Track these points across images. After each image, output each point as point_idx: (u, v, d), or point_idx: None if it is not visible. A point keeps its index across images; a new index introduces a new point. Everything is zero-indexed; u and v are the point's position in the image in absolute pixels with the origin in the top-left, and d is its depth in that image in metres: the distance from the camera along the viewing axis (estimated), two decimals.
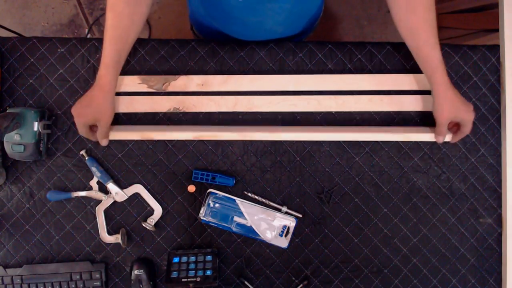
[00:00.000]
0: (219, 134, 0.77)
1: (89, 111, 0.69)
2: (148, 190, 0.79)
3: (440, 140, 0.76)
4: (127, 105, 0.78)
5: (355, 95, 0.79)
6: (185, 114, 0.79)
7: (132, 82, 0.78)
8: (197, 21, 0.89)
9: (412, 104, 0.80)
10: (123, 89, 0.79)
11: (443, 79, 0.70)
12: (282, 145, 0.80)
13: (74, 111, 0.70)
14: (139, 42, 0.80)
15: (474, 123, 0.81)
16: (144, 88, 0.78)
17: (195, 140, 0.80)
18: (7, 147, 0.74)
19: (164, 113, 0.79)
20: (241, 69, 0.81)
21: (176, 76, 0.78)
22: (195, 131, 0.77)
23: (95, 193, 0.78)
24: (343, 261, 0.80)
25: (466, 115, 0.72)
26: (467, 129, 0.73)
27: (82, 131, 0.72)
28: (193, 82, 0.79)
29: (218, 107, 0.79)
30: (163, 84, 0.78)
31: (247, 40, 0.80)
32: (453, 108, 0.72)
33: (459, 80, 0.82)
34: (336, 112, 0.81)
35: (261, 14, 0.71)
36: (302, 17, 0.80)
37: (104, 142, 0.74)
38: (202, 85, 0.79)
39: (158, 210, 0.79)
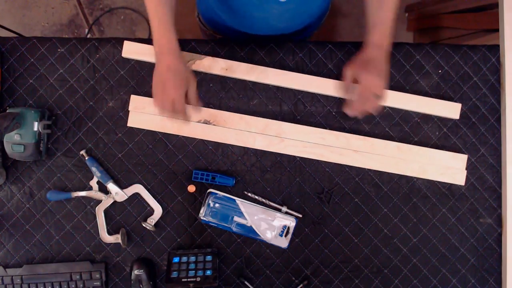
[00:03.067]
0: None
1: (182, 78, 0.65)
2: (148, 190, 0.79)
3: (339, 89, 0.76)
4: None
5: (383, 140, 0.79)
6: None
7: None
8: (204, 10, 0.88)
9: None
10: (148, 58, 0.79)
11: (375, 38, 0.70)
12: None
13: (168, 90, 0.64)
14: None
15: (474, 123, 0.81)
16: None
17: (195, 140, 0.80)
18: (7, 147, 0.74)
19: (194, 123, 0.78)
20: None
21: (203, 56, 0.79)
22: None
23: (95, 193, 0.78)
24: (343, 261, 0.80)
25: (370, 77, 0.68)
26: (366, 94, 0.70)
27: (180, 103, 0.65)
28: (218, 65, 0.79)
29: (248, 126, 0.79)
30: (188, 61, 0.78)
31: (252, 34, 0.80)
32: (362, 63, 0.70)
33: (459, 80, 0.82)
34: (336, 112, 0.81)
35: (265, 11, 0.71)
36: (306, 16, 0.80)
37: (199, 103, 0.70)
38: (226, 69, 0.79)
39: (158, 210, 0.79)
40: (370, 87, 0.69)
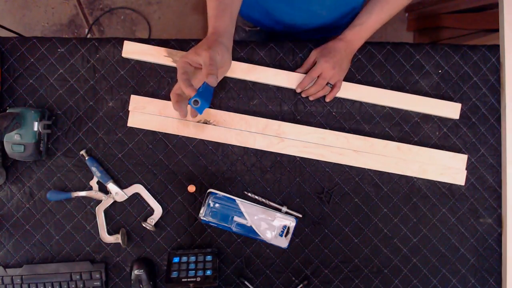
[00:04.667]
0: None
1: (224, 47, 0.61)
2: (148, 190, 0.79)
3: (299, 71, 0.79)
4: (159, 110, 0.78)
5: (383, 140, 0.79)
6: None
7: (157, 53, 0.78)
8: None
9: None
10: (148, 59, 0.79)
11: (349, 36, 0.74)
12: None
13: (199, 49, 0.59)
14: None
15: (474, 123, 0.82)
16: (169, 62, 0.78)
17: (195, 140, 0.80)
18: (7, 147, 0.74)
19: (194, 123, 0.79)
20: None
21: None
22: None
23: (95, 193, 0.78)
24: (343, 261, 0.80)
25: (325, 65, 0.73)
26: (320, 81, 0.75)
27: (214, 63, 0.58)
28: None
29: (248, 126, 0.79)
30: None
31: (290, 24, 0.81)
32: (325, 50, 0.74)
33: (459, 80, 0.82)
34: (336, 112, 0.81)
35: None
36: (348, 3, 0.80)
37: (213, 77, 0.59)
38: None
39: (158, 210, 0.79)
40: (323, 73, 0.74)
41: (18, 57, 0.79)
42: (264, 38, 0.98)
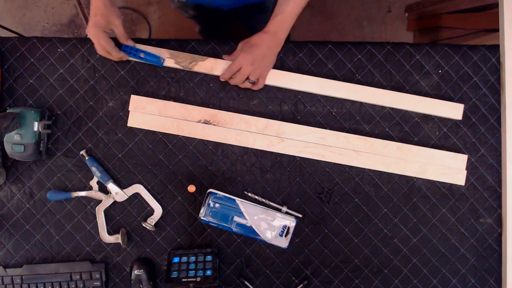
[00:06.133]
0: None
1: (99, 17, 0.73)
2: (148, 190, 0.79)
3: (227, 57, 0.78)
4: (159, 110, 0.78)
5: (383, 140, 0.79)
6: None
7: (158, 53, 0.78)
8: None
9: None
10: None
11: (272, 27, 0.72)
12: None
13: (89, 27, 0.73)
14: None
15: (474, 123, 0.82)
16: (171, 63, 0.79)
17: (195, 140, 0.80)
18: (7, 147, 0.74)
19: (194, 123, 0.79)
20: None
21: (204, 57, 0.79)
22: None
23: (95, 193, 0.78)
24: (343, 261, 0.80)
25: (242, 60, 0.72)
26: (239, 75, 0.74)
27: (105, 40, 0.73)
28: (220, 66, 0.79)
29: (248, 126, 0.79)
30: (190, 63, 0.78)
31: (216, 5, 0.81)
32: (247, 45, 0.73)
33: (459, 80, 0.82)
34: (336, 112, 0.81)
35: None
36: None
37: (129, 42, 0.77)
38: None
39: (158, 210, 0.79)
40: (242, 69, 0.73)
41: (18, 57, 0.79)
42: (195, 12, 0.99)
